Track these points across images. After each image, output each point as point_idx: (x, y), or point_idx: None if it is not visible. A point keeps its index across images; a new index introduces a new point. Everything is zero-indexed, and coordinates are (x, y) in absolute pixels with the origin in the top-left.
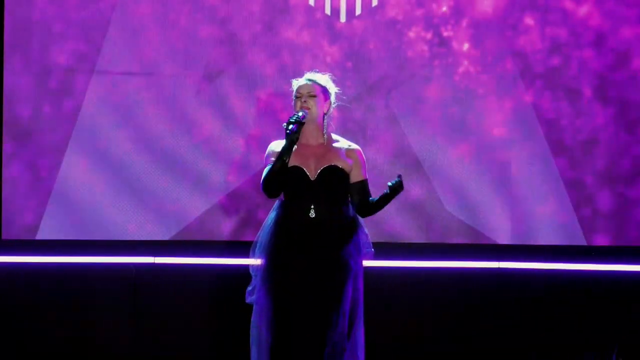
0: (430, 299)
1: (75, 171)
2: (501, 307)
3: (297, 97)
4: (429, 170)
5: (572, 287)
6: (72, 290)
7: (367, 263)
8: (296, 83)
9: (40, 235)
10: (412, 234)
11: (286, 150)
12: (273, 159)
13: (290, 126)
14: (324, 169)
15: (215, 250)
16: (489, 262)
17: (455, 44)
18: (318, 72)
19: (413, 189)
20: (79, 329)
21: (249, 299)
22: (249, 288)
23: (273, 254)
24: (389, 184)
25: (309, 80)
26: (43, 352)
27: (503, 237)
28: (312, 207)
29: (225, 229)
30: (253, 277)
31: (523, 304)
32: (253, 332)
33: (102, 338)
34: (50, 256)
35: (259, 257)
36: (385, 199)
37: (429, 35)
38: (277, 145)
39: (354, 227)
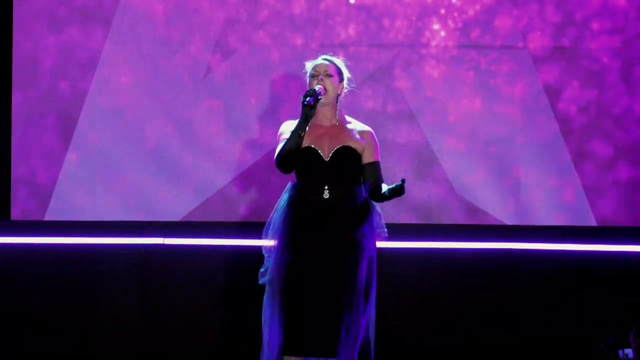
0: (440, 280)
1: (84, 151)
2: (509, 288)
3: (313, 76)
4: (438, 153)
5: (581, 268)
6: (80, 272)
7: (379, 244)
8: (311, 63)
9: (49, 217)
10: (416, 216)
11: (302, 124)
12: (286, 136)
13: (308, 98)
14: (337, 149)
15: (226, 231)
16: (496, 242)
17: (463, 28)
18: (332, 55)
19: (418, 168)
20: (87, 311)
21: (261, 280)
22: (262, 269)
23: (286, 235)
24: (389, 187)
25: (326, 59)
26: (50, 335)
27: (510, 218)
28: (326, 187)
29: (236, 210)
30: (266, 259)
31: (531, 286)
32: (265, 314)
33: (110, 319)
34: (58, 237)
35: (271, 238)
36: (386, 197)
37: (435, 20)
38: (290, 124)
39: (368, 208)
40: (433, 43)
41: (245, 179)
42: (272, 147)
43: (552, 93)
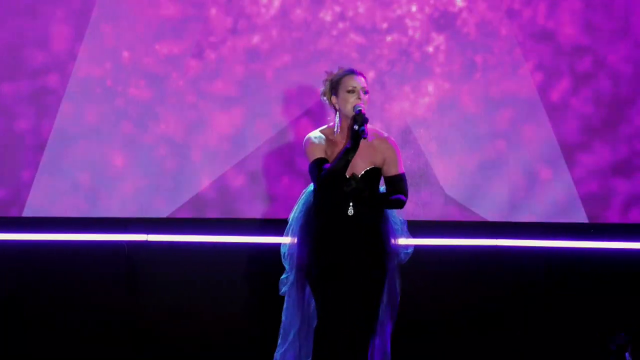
0: (428, 277)
1: (63, 145)
2: (500, 286)
3: (350, 91)
4: (425, 147)
5: (574, 266)
6: (61, 270)
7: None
8: (343, 76)
9: (27, 213)
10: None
11: (352, 152)
12: (320, 155)
13: (362, 127)
14: (366, 171)
15: (212, 228)
16: (485, 239)
17: (456, 21)
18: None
19: (410, 164)
20: (69, 310)
21: (282, 290)
22: (283, 277)
23: (312, 250)
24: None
25: (361, 74)
26: (30, 333)
27: (500, 214)
28: (351, 204)
29: (224, 206)
30: (287, 268)
31: (521, 283)
32: (288, 328)
33: (93, 318)
34: (37, 234)
35: (294, 243)
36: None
37: (428, 10)
38: (317, 138)
39: (387, 223)
40: (424, 44)
41: (234, 174)
42: (264, 140)
43: (546, 86)
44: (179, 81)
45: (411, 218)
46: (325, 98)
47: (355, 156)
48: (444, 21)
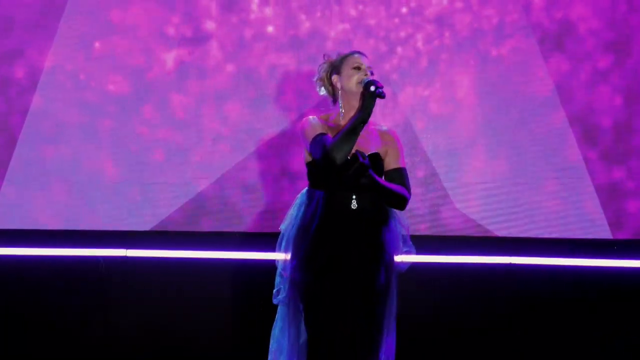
0: (437, 296)
1: (33, 148)
2: (512, 307)
3: (356, 68)
4: (433, 156)
5: (595, 285)
6: (32, 286)
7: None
8: (347, 54)
9: None
10: (417, 226)
11: (365, 117)
12: (322, 131)
13: (380, 89)
14: (368, 156)
15: (195, 243)
16: (498, 256)
17: (465, 20)
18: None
19: (418, 173)
20: (41, 329)
21: (275, 300)
22: (276, 289)
23: (309, 251)
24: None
25: (364, 55)
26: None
27: (516, 230)
28: (354, 197)
29: (207, 220)
30: (279, 276)
31: (535, 303)
32: (278, 340)
33: (68, 338)
34: (4, 247)
35: (287, 252)
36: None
37: (433, 11)
38: (316, 119)
39: (394, 219)
40: (429, 40)
41: (219, 186)
42: (250, 152)
43: (563, 94)
44: (164, 78)
45: (420, 232)
46: (320, 81)
47: (360, 141)
48: (451, 31)
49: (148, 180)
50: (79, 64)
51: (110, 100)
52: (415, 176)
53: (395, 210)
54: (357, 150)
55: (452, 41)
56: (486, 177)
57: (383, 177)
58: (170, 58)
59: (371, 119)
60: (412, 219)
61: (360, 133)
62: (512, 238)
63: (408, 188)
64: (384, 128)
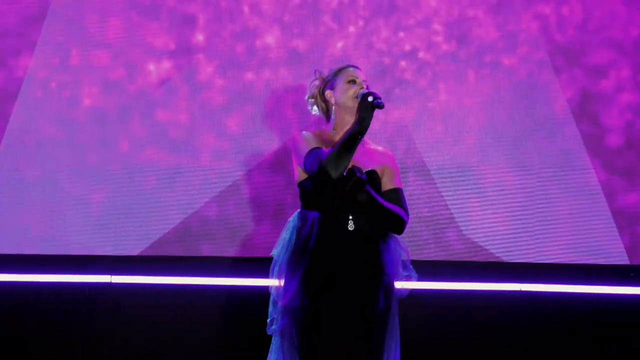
0: (442, 327)
1: (12, 167)
2: (522, 337)
3: (351, 81)
4: (438, 176)
5: (610, 313)
6: (13, 314)
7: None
8: (341, 68)
9: None
10: (420, 251)
11: (363, 129)
12: (315, 144)
13: (378, 99)
14: (365, 173)
15: (184, 269)
16: (508, 283)
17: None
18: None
19: (421, 194)
20: None
21: (270, 330)
22: (269, 319)
23: (304, 275)
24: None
25: (357, 68)
26: None
27: (526, 254)
28: (351, 217)
29: (197, 245)
30: (273, 304)
31: (547, 333)
32: None
33: None
34: None
35: (281, 279)
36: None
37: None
38: (312, 135)
39: (394, 241)
40: (437, 52)
41: (212, 209)
42: (242, 174)
43: (577, 111)
44: (150, 92)
45: (424, 257)
46: (312, 99)
47: (357, 158)
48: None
49: (135, 201)
50: (59, 76)
51: (94, 116)
52: (419, 198)
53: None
54: (353, 166)
55: (457, 55)
56: (494, 198)
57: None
58: (157, 71)
59: (367, 138)
60: (415, 242)
61: (364, 151)
62: (522, 263)
63: (406, 210)
64: (380, 148)
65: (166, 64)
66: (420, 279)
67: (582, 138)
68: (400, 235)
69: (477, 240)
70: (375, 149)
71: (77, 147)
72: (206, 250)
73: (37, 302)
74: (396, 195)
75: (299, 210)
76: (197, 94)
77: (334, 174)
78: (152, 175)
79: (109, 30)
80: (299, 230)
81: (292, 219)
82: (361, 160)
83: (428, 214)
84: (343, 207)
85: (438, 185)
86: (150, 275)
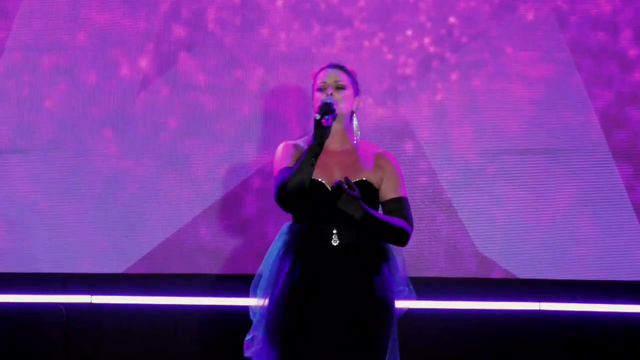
0: (454, 345)
1: None
2: (541, 358)
3: (320, 89)
4: (451, 189)
5: (636, 333)
6: None
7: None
8: (317, 71)
9: None
10: (431, 267)
11: (316, 149)
12: (287, 164)
13: (326, 116)
14: (355, 183)
15: (170, 287)
16: (525, 302)
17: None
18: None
19: (433, 207)
20: None
21: (248, 353)
22: (248, 337)
23: (283, 294)
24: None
25: (336, 67)
26: None
27: (545, 271)
28: (335, 232)
29: (186, 261)
30: (254, 324)
31: (567, 354)
32: None
33: None
34: None
35: (262, 298)
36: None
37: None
38: (288, 147)
39: (385, 259)
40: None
41: (199, 224)
42: (235, 185)
43: (605, 122)
44: (133, 96)
45: (435, 274)
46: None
47: (342, 167)
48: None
49: (116, 216)
50: (30, 81)
51: (72, 123)
52: (430, 212)
53: (391, 246)
54: (340, 180)
55: (478, 63)
56: (510, 212)
57: (380, 209)
58: (140, 72)
59: (367, 139)
60: (426, 259)
61: (357, 159)
62: (540, 280)
63: (410, 221)
64: (379, 151)
65: (146, 64)
66: (431, 297)
67: (608, 147)
68: (406, 249)
69: (490, 255)
70: (372, 152)
71: (53, 156)
72: (195, 267)
73: (9, 325)
74: (399, 204)
75: (288, 223)
76: (184, 98)
77: (287, 206)
78: (137, 186)
79: (84, 25)
80: (283, 246)
81: (281, 232)
82: (353, 166)
83: (438, 227)
84: (327, 219)
85: (449, 194)
86: (133, 294)
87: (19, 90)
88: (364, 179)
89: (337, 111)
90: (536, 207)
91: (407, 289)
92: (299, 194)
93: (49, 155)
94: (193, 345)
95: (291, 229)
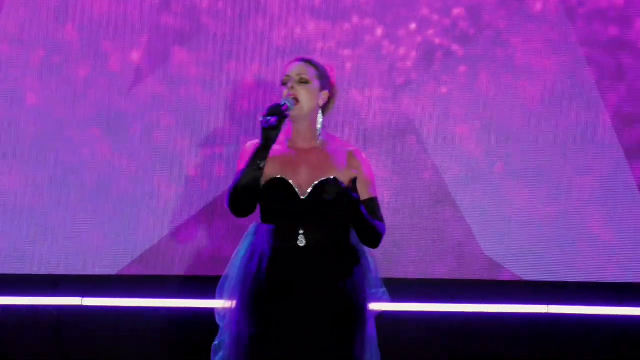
0: (458, 349)
1: None
2: None
3: (283, 83)
4: (456, 188)
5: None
6: None
7: (378, 307)
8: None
9: None
10: (435, 269)
11: (261, 152)
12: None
13: (268, 117)
14: (318, 183)
15: (163, 289)
16: (535, 305)
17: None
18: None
19: (439, 207)
20: None
21: (215, 358)
22: (216, 342)
23: (248, 297)
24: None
25: (303, 60)
26: None
27: (555, 272)
28: (301, 232)
29: (177, 263)
30: (220, 328)
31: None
32: None
33: None
34: None
35: (228, 300)
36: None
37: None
38: (253, 147)
39: (357, 260)
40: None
41: (191, 226)
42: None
43: (619, 123)
44: (125, 103)
45: (439, 276)
46: None
47: (309, 166)
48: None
49: (108, 216)
50: (17, 75)
51: (62, 120)
52: (436, 212)
53: (364, 247)
54: (320, 181)
55: (484, 57)
56: (518, 211)
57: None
58: (131, 66)
59: (336, 137)
60: (430, 260)
61: (326, 157)
62: (549, 282)
63: (383, 222)
64: (350, 149)
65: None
66: (434, 300)
67: (620, 143)
68: (408, 250)
69: (497, 256)
70: (343, 150)
71: (42, 154)
72: (191, 269)
73: (3, 326)
74: (372, 205)
75: (255, 222)
76: (177, 93)
77: (236, 211)
78: (130, 186)
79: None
80: (249, 246)
81: (248, 232)
82: (324, 164)
83: (443, 227)
84: (293, 220)
85: (452, 192)
86: (126, 297)
87: (5, 84)
88: (331, 177)
89: (297, 110)
90: (545, 206)
91: (380, 290)
92: (242, 199)
93: (38, 153)
94: (187, 348)
95: (258, 230)
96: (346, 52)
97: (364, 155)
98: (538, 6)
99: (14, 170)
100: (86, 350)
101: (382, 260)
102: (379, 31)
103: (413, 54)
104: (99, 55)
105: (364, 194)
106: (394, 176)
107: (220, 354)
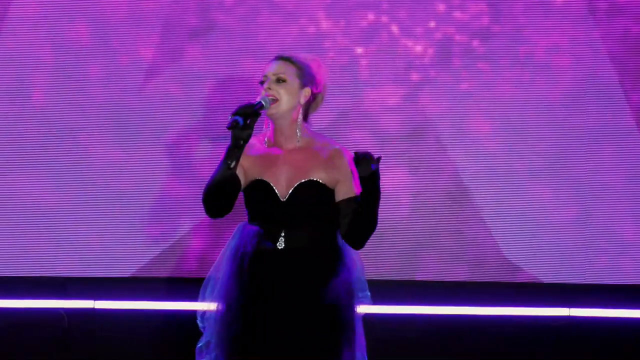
0: (475, 354)
1: None
2: None
3: (261, 82)
4: (475, 189)
5: None
6: None
7: (370, 310)
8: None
9: None
10: (453, 271)
11: (230, 152)
12: None
13: (235, 117)
14: (299, 185)
15: (177, 292)
16: (556, 307)
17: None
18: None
19: (457, 208)
20: None
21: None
22: (200, 344)
23: (231, 298)
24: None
25: (282, 58)
26: None
27: (577, 275)
28: (283, 234)
29: (189, 265)
30: (204, 330)
31: None
32: None
33: None
34: None
35: (211, 302)
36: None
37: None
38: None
39: (342, 261)
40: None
41: (202, 228)
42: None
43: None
44: (136, 102)
45: (458, 279)
46: None
47: (291, 166)
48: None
49: (121, 217)
50: (22, 73)
51: (74, 123)
52: (452, 211)
53: (349, 250)
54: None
55: (512, 65)
56: (538, 211)
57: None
58: (144, 63)
59: (320, 134)
60: (448, 262)
61: (309, 157)
62: (570, 285)
63: None
64: (335, 147)
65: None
66: (453, 303)
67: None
68: (424, 252)
69: (516, 258)
70: (328, 149)
71: (53, 156)
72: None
73: (7, 332)
74: (354, 204)
75: (242, 223)
76: (189, 91)
77: (210, 213)
78: (138, 187)
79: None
80: (235, 247)
81: (234, 233)
82: (305, 164)
83: (460, 227)
84: (275, 222)
85: (471, 192)
86: (140, 299)
87: (14, 83)
88: (314, 179)
89: (274, 109)
90: (566, 206)
91: (363, 294)
92: (214, 200)
93: (49, 154)
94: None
95: (242, 231)
96: (360, 49)
97: (348, 154)
98: (559, 1)
99: (24, 172)
100: (97, 355)
101: (398, 264)
102: (395, 28)
103: (430, 50)
104: (109, 53)
105: (349, 193)
106: (410, 176)
107: (207, 357)
